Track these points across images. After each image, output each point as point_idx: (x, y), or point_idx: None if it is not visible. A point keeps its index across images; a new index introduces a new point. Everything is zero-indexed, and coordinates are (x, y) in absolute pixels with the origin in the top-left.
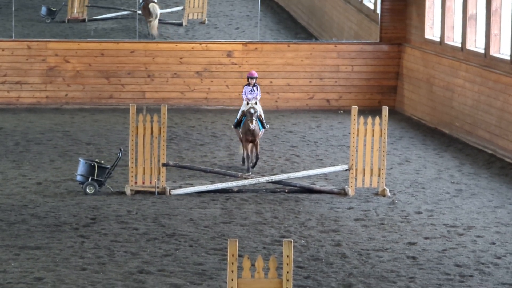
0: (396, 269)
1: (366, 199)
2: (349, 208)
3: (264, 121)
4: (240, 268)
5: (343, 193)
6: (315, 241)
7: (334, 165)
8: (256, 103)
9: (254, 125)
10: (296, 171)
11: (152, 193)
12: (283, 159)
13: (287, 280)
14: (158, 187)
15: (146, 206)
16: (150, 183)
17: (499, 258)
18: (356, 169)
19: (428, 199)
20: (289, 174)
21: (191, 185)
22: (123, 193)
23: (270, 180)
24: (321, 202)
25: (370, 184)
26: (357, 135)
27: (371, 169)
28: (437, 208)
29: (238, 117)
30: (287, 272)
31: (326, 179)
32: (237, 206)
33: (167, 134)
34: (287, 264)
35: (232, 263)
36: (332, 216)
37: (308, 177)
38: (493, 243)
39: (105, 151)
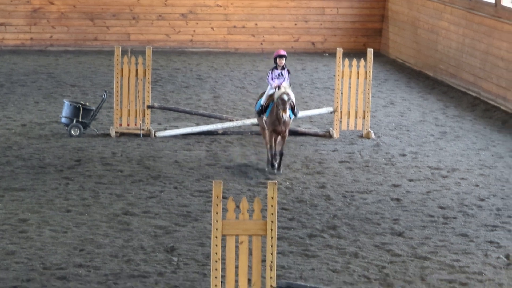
0: (380, 211)
1: (351, 141)
2: (334, 151)
3: (295, 108)
4: (224, 210)
5: (327, 135)
6: (300, 183)
7: (319, 108)
8: (290, 87)
9: (288, 115)
10: None
11: (137, 135)
12: None
13: (272, 222)
14: (143, 129)
15: (131, 148)
16: (135, 125)
17: (482, 200)
18: (341, 112)
19: (413, 142)
20: None
21: (176, 127)
22: (108, 135)
23: (255, 123)
24: (306, 145)
25: (355, 127)
26: (342, 77)
27: (356, 112)
28: (421, 150)
29: (262, 102)
30: (272, 214)
31: (311, 121)
32: (222, 148)
33: (152, 76)
34: (272, 206)
35: (217, 205)
36: (317, 158)
37: (293, 119)
38: (477, 185)
39: (90, 93)
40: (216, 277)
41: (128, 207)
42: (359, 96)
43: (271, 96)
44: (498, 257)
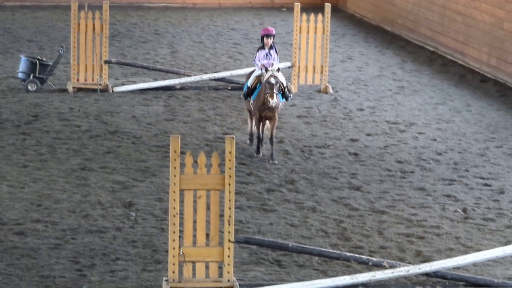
0: (338, 166)
1: (309, 96)
2: (292, 105)
3: (286, 91)
4: (182, 165)
5: None
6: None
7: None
8: (278, 70)
9: (275, 100)
10: (239, 68)
11: (94, 90)
12: (226, 56)
13: (230, 176)
14: (100, 85)
15: (88, 104)
16: (92, 80)
17: (439, 154)
18: (299, 67)
19: (370, 96)
20: (231, 72)
21: (134, 82)
22: (65, 90)
23: (212, 78)
24: None
25: (313, 81)
26: (300, 32)
27: (314, 67)
28: (379, 105)
29: (249, 83)
30: (230, 168)
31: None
32: (179, 104)
33: (109, 32)
34: (230, 160)
35: (175, 160)
36: None
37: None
38: (434, 140)
39: (46, 48)
40: (174, 232)
41: (85, 163)
42: (317, 51)
43: (258, 77)
44: (456, 211)
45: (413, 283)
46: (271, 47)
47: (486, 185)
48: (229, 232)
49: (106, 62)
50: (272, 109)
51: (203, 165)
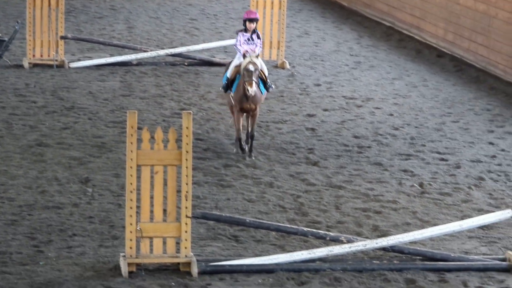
0: (295, 141)
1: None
2: None
3: (267, 81)
4: (139, 140)
5: None
6: (215, 114)
7: (233, 38)
8: (257, 57)
9: (254, 89)
10: (196, 44)
11: (50, 66)
12: (182, 32)
13: (187, 152)
14: (56, 60)
15: (44, 79)
16: (48, 56)
17: (396, 129)
18: None
19: (327, 71)
20: (188, 47)
21: (90, 58)
22: (21, 66)
23: (169, 53)
24: (221, 75)
25: (270, 57)
26: (257, 7)
27: (271, 42)
28: (336, 80)
29: (228, 75)
30: (187, 144)
31: (226, 51)
32: (136, 79)
33: (65, 7)
34: (187, 136)
35: (132, 135)
36: None
37: (208, 50)
38: (391, 115)
39: (2, 24)
40: (131, 208)
41: (42, 138)
42: (274, 26)
43: (238, 68)
44: (412, 186)
45: (370, 257)
46: (253, 32)
47: (442, 159)
48: (186, 207)
49: (62, 37)
50: (254, 101)
51: (160, 140)
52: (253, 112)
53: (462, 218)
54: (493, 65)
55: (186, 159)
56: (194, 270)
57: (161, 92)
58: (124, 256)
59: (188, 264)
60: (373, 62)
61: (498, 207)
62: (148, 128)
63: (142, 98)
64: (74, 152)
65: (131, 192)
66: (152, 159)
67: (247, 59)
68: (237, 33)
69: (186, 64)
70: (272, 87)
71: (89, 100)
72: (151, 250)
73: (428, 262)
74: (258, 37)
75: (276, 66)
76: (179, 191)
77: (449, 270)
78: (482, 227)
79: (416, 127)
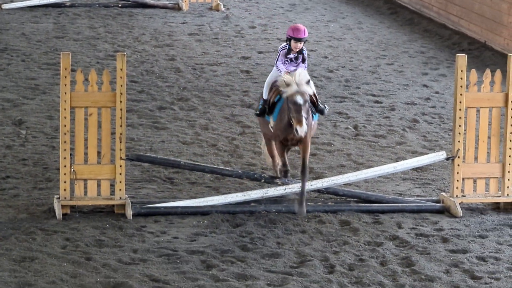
0: (230, 83)
1: (200, 13)
2: (183, 23)
3: (318, 103)
4: (73, 82)
5: (177, 7)
6: (149, 56)
7: None
8: (308, 82)
9: (305, 129)
10: None
11: None
12: None
13: (121, 93)
14: None
15: None
16: None
17: (331, 71)
18: None
19: (262, 14)
20: None
21: None
22: None
23: None
24: (155, 17)
25: None
26: None
27: None
28: (270, 22)
29: (265, 96)
30: (121, 86)
31: None
32: (70, 21)
33: None
34: (121, 78)
35: (65, 77)
36: (166, 30)
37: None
38: (326, 57)
39: None
40: (65, 150)
41: None
42: None
43: (277, 88)
44: (347, 128)
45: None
46: (300, 52)
47: (377, 102)
48: (120, 149)
49: None
50: (302, 139)
51: (94, 82)
52: (304, 143)
53: (396, 160)
54: (427, 7)
55: (121, 101)
56: (129, 212)
57: (95, 34)
58: (58, 198)
59: (123, 206)
60: (307, 4)
61: (432, 149)
62: (82, 70)
63: (76, 40)
64: (7, 94)
65: (65, 134)
66: (86, 101)
67: (294, 88)
68: (280, 49)
69: (120, 6)
70: (326, 108)
71: (22, 41)
72: (86, 192)
73: (363, 204)
74: (305, 59)
75: (210, 8)
76: (113, 133)
77: (383, 211)
78: (416, 169)
79: (350, 69)
